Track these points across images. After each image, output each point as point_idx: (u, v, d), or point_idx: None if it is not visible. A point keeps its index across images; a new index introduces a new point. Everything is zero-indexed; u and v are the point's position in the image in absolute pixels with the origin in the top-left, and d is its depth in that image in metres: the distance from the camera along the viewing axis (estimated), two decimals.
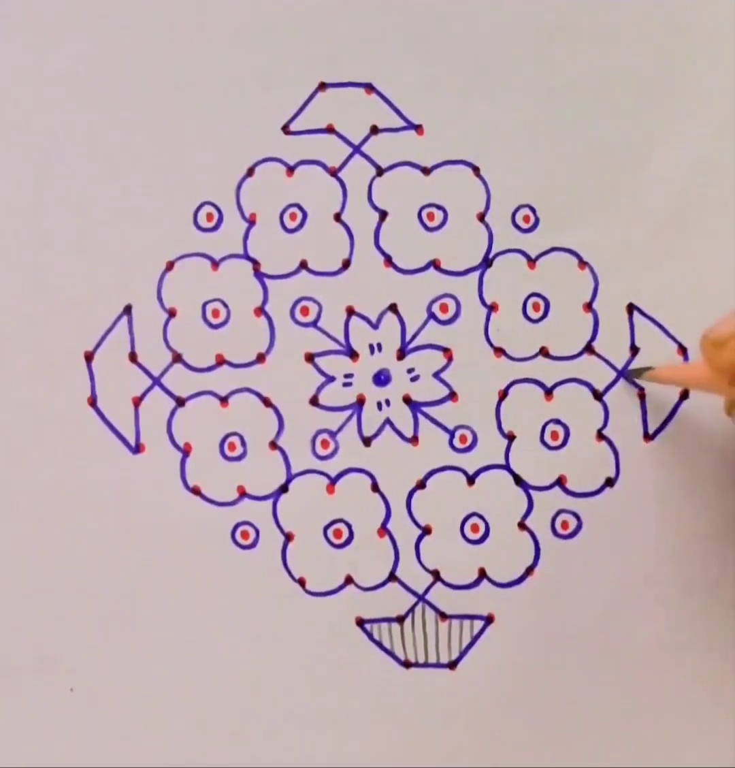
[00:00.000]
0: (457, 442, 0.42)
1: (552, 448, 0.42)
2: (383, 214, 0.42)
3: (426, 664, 0.42)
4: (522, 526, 0.42)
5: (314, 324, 0.42)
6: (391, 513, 0.42)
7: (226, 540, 0.42)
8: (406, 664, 0.42)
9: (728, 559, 0.41)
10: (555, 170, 0.42)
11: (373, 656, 0.41)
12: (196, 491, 0.42)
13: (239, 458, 0.42)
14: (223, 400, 0.42)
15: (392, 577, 0.42)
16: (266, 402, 0.42)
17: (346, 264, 0.42)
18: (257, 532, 0.42)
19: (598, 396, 0.42)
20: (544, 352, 0.42)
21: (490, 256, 0.42)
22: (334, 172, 0.42)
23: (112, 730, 0.42)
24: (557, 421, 0.42)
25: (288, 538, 0.42)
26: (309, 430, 0.42)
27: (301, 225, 0.42)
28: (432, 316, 0.42)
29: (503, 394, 0.42)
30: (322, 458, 0.42)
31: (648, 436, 0.41)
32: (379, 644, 0.42)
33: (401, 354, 0.42)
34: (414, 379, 0.42)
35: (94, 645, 0.42)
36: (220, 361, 0.42)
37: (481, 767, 0.41)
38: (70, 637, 0.42)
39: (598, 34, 0.42)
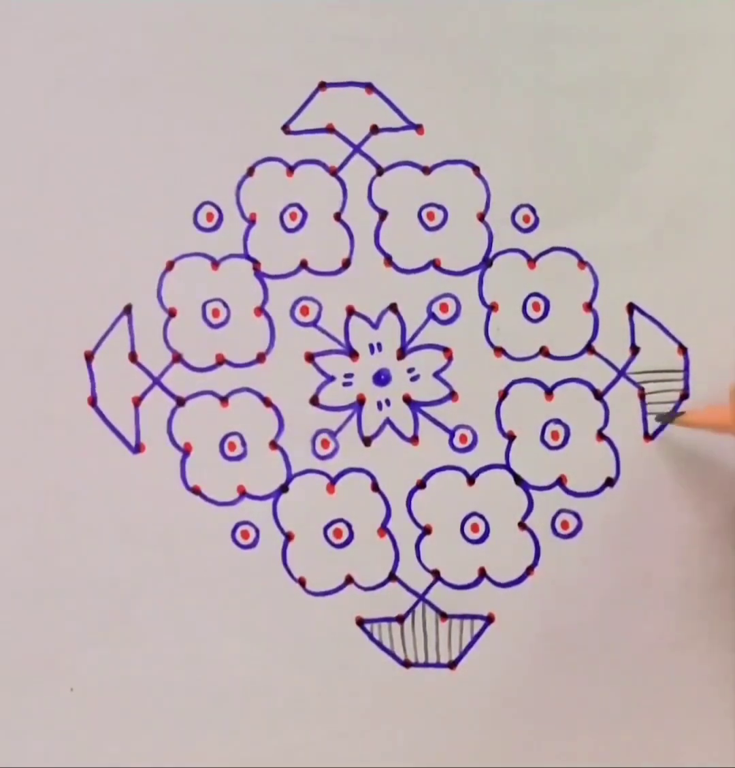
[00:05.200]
0: (457, 442, 0.42)
1: (552, 448, 0.42)
2: (383, 214, 0.42)
3: (426, 664, 0.42)
4: (522, 526, 0.42)
5: (314, 324, 0.42)
6: (391, 513, 0.42)
7: (226, 540, 0.42)
8: (406, 664, 0.42)
9: (728, 559, 0.41)
10: (555, 170, 0.42)
11: (373, 656, 0.41)
12: (196, 491, 0.42)
13: (239, 458, 0.42)
14: (223, 400, 0.42)
15: (392, 577, 0.42)
16: (266, 402, 0.42)
17: (346, 264, 0.42)
18: (257, 532, 0.42)
19: (598, 396, 0.42)
20: (544, 352, 0.42)
21: (490, 256, 0.42)
22: (334, 172, 0.42)
23: (112, 730, 0.42)
24: (557, 421, 0.42)
25: (288, 538, 0.42)
26: (309, 430, 0.42)
27: (301, 225, 0.42)
28: (432, 315, 0.42)
29: (503, 394, 0.42)
30: (322, 458, 0.42)
31: (648, 436, 0.41)
32: (379, 644, 0.42)
33: (401, 354, 0.42)
34: (414, 378, 0.42)
35: (94, 645, 0.42)
36: (220, 361, 0.42)
37: (481, 767, 0.41)
38: (70, 637, 0.42)
39: (598, 34, 0.42)
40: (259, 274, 0.42)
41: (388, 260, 0.42)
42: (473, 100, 0.42)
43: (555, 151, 0.42)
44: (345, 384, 0.42)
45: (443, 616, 0.42)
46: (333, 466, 0.42)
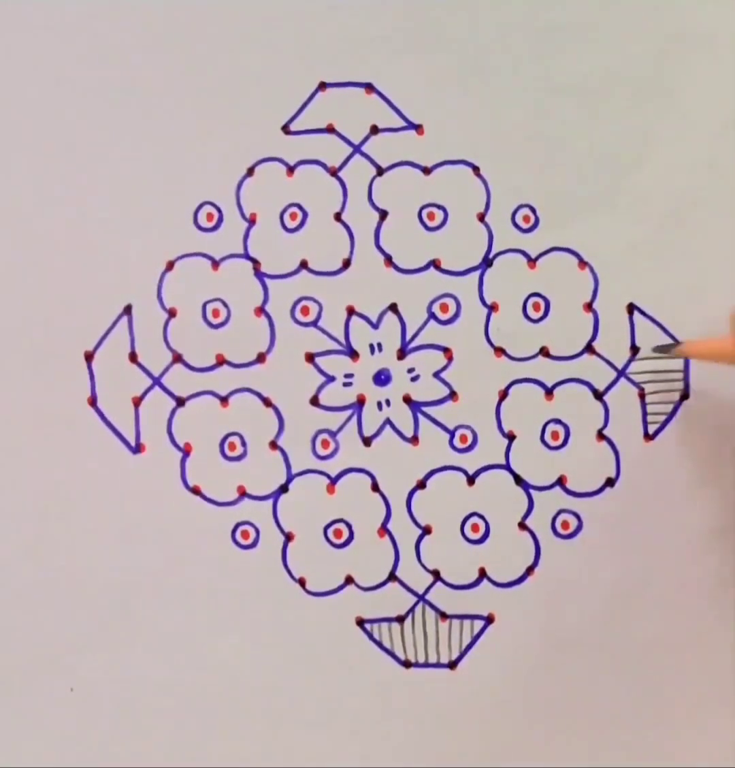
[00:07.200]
0: (457, 442, 0.42)
1: (552, 448, 0.42)
2: (383, 214, 0.42)
3: (426, 664, 0.42)
4: (522, 526, 0.42)
5: (314, 324, 0.42)
6: (391, 513, 0.42)
7: (226, 540, 0.42)
8: (406, 664, 0.42)
9: (728, 559, 0.41)
10: (555, 170, 0.42)
11: (373, 656, 0.41)
12: (196, 491, 0.42)
13: (239, 458, 0.42)
14: (223, 400, 0.42)
15: (392, 577, 0.42)
16: (266, 402, 0.42)
17: (347, 264, 0.42)
18: (257, 532, 0.42)
19: (598, 396, 0.42)
20: (544, 352, 0.42)
21: (490, 256, 0.42)
22: (334, 172, 0.42)
23: (112, 730, 0.42)
24: (557, 421, 0.42)
25: (288, 538, 0.42)
26: (309, 430, 0.42)
27: (302, 225, 0.42)
28: (432, 316, 0.42)
29: (503, 394, 0.42)
30: (322, 458, 0.42)
31: (648, 436, 0.41)
32: (379, 644, 0.42)
33: (401, 354, 0.42)
34: (414, 379, 0.42)
35: (94, 645, 0.42)
36: (220, 361, 0.42)
37: (481, 767, 0.41)
38: (70, 637, 0.42)
39: (598, 34, 0.42)
40: (259, 274, 0.42)
41: (388, 260, 0.42)
42: (473, 100, 0.42)
43: (555, 151, 0.42)
44: (345, 384, 0.42)
45: (443, 616, 0.42)
46: (333, 466, 0.42)
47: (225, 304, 0.42)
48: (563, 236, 0.42)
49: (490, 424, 0.42)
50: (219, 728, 0.42)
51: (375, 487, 0.42)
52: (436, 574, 0.42)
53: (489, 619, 0.41)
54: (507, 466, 0.42)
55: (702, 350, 0.40)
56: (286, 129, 0.42)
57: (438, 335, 0.42)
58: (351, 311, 0.42)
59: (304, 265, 0.42)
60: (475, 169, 0.42)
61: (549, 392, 0.42)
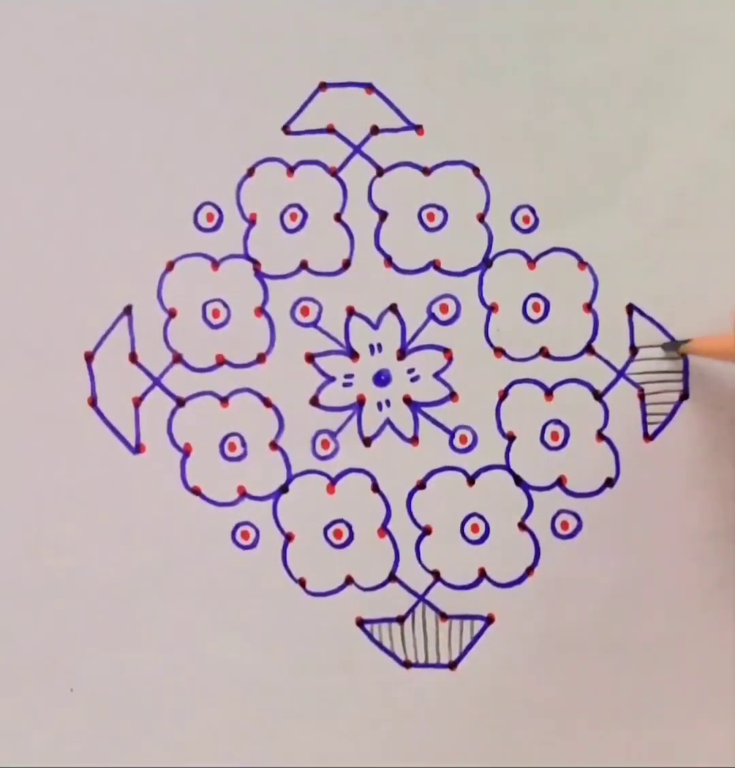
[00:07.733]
0: (457, 442, 0.42)
1: (552, 448, 0.42)
2: (383, 215, 0.42)
3: (426, 664, 0.42)
4: (522, 526, 0.42)
5: (314, 324, 0.42)
6: (391, 513, 0.42)
7: (226, 540, 0.42)
8: (406, 664, 0.42)
9: (728, 559, 0.41)
10: (555, 170, 0.42)
11: (373, 656, 0.42)
12: (196, 491, 0.42)
13: (239, 458, 0.42)
14: (223, 400, 0.42)
15: (392, 577, 0.42)
16: (266, 402, 0.42)
17: (347, 264, 0.42)
18: (257, 532, 0.42)
19: (598, 396, 0.42)
20: (544, 352, 0.42)
21: (490, 256, 0.42)
22: (334, 172, 0.42)
23: (112, 730, 0.42)
24: (557, 421, 0.42)
25: (288, 538, 0.42)
26: (309, 430, 0.42)
27: (302, 225, 0.42)
28: (432, 316, 0.42)
29: (503, 394, 0.42)
30: (322, 458, 0.42)
31: (648, 436, 0.42)
32: (379, 644, 0.42)
33: (401, 354, 0.42)
34: (414, 379, 0.42)
35: (94, 645, 0.42)
36: (220, 361, 0.42)
37: (481, 767, 0.41)
38: (70, 637, 0.42)
39: (598, 34, 0.42)
40: (260, 275, 0.42)
41: (388, 261, 0.42)
42: (473, 100, 0.42)
43: (555, 151, 0.42)
44: (345, 384, 0.42)
45: (443, 616, 0.42)
46: (333, 466, 0.42)
47: (225, 305, 0.42)
48: (563, 236, 0.42)
49: (490, 424, 0.42)
50: (219, 728, 0.42)
51: (375, 488, 0.42)
52: (436, 575, 0.42)
53: (489, 620, 0.41)
54: (507, 467, 0.42)
55: (708, 347, 0.40)
56: (286, 129, 0.42)
57: (438, 336, 0.42)
58: (351, 312, 0.42)
59: (304, 265, 0.42)
60: (475, 170, 0.42)
61: (549, 393, 0.42)
